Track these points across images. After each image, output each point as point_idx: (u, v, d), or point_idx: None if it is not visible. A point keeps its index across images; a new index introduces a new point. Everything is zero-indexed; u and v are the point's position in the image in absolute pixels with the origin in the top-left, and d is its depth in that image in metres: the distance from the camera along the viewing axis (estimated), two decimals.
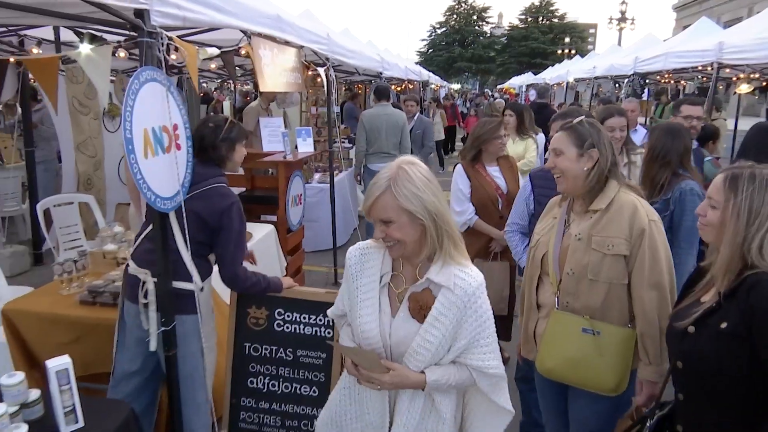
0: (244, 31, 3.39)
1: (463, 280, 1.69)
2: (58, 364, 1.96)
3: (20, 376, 1.99)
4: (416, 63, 19.67)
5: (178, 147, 2.53)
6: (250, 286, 2.77)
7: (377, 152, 6.68)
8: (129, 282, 2.66)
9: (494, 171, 3.80)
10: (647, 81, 10.03)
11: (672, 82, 11.89)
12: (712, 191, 1.68)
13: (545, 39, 58.14)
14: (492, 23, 66.83)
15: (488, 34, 65.04)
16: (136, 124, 2.18)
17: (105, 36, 3.95)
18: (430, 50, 64.17)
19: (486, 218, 3.70)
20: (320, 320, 2.88)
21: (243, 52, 3.47)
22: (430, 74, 18.64)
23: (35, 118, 6.71)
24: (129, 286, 2.65)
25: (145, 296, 2.55)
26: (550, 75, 19.79)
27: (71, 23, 2.79)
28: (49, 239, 5.27)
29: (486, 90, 42.97)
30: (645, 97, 15.87)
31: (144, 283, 2.55)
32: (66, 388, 1.96)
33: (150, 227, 2.60)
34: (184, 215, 2.49)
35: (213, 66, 5.71)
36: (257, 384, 2.96)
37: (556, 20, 61.00)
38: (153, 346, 2.55)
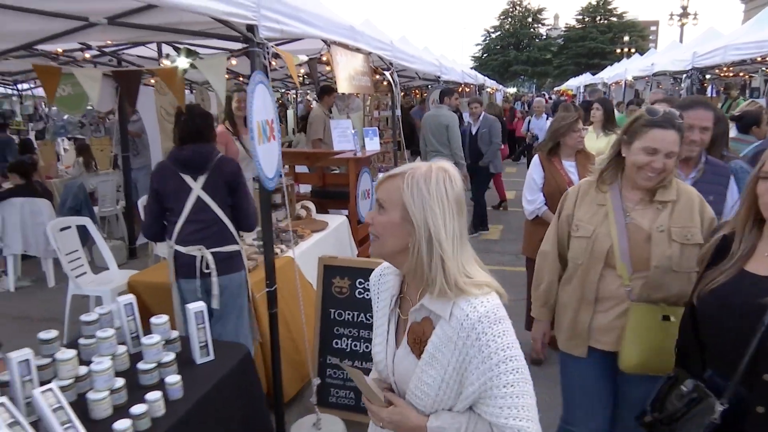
0: (324, 41, 3.88)
1: (461, 309, 1.34)
2: (196, 306, 2.46)
3: (165, 317, 2.49)
4: (471, 68, 19.85)
5: (274, 138, 3.04)
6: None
7: (430, 151, 7.33)
8: (183, 263, 3.11)
9: (569, 165, 4.01)
10: (707, 76, 9.90)
11: (731, 75, 11.61)
12: None
13: (604, 38, 56.94)
14: (548, 25, 66.00)
15: (544, 36, 64.26)
16: (255, 118, 2.70)
17: (198, 50, 4.56)
18: (484, 54, 64.04)
19: (555, 210, 3.92)
20: None
21: (324, 58, 3.96)
22: (486, 78, 18.88)
23: (135, 128, 7.53)
24: (184, 267, 3.11)
25: (207, 267, 3.04)
26: (609, 74, 19.55)
27: (198, 39, 3.34)
28: None
29: (543, 93, 42.53)
30: (710, 93, 15.49)
31: (203, 257, 3.04)
32: (201, 327, 2.45)
33: (186, 213, 3.07)
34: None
35: (302, 71, 6.29)
36: (341, 345, 3.41)
37: (614, 19, 59.61)
38: (216, 304, 3.06)
